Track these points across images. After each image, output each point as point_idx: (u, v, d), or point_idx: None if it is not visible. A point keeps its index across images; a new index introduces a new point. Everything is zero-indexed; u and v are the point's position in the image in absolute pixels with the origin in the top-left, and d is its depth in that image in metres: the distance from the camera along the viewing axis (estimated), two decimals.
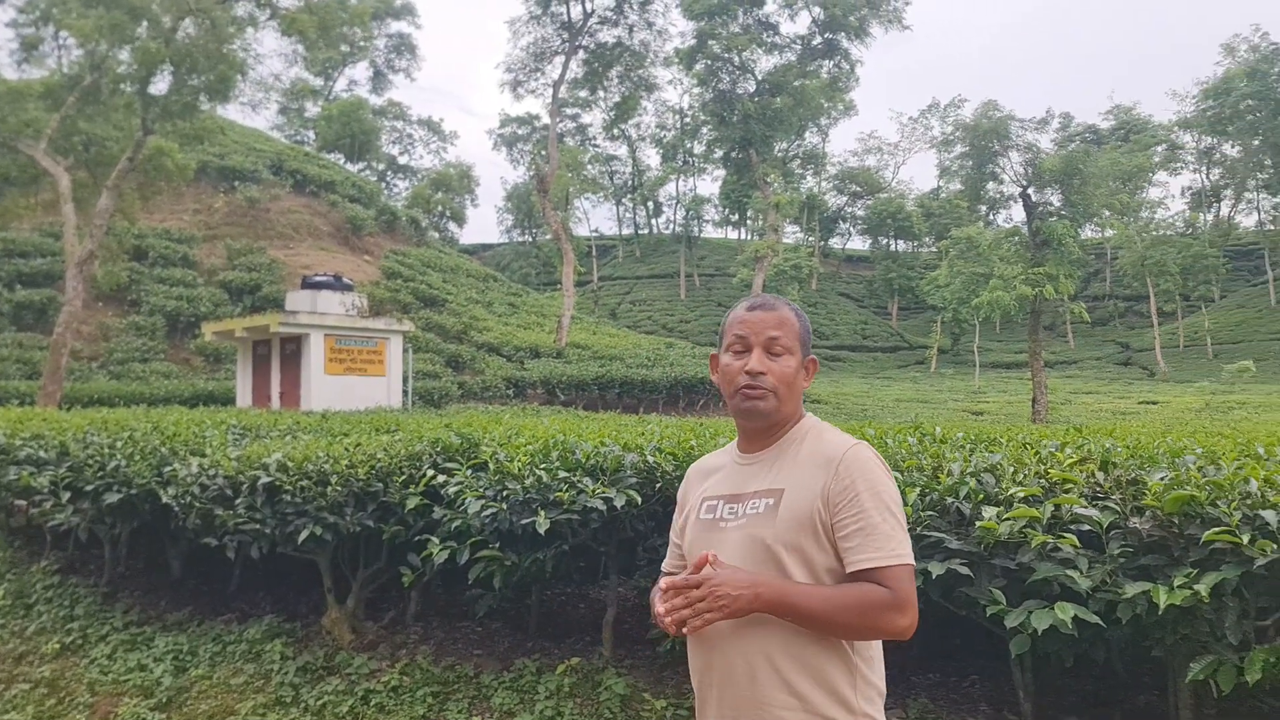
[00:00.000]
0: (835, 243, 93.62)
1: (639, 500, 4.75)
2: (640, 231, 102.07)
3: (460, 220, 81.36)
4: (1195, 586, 3.33)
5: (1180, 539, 3.59)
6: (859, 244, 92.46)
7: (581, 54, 42.42)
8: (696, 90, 48.69)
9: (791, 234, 75.26)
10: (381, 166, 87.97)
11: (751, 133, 41.23)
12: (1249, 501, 3.49)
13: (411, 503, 5.34)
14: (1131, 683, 4.86)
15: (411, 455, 5.80)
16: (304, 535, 5.50)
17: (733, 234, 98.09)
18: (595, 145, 79.08)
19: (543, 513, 4.68)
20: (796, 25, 46.46)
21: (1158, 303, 66.99)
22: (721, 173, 72.23)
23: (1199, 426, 18.95)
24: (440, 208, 75.76)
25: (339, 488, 5.55)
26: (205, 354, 34.07)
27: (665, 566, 2.43)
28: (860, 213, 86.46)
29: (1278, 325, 65.28)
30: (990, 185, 37.41)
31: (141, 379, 29.14)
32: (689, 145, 76.92)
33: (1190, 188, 79.60)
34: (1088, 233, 49.05)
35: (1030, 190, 29.67)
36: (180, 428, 8.02)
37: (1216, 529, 3.35)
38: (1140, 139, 65.76)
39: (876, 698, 2.11)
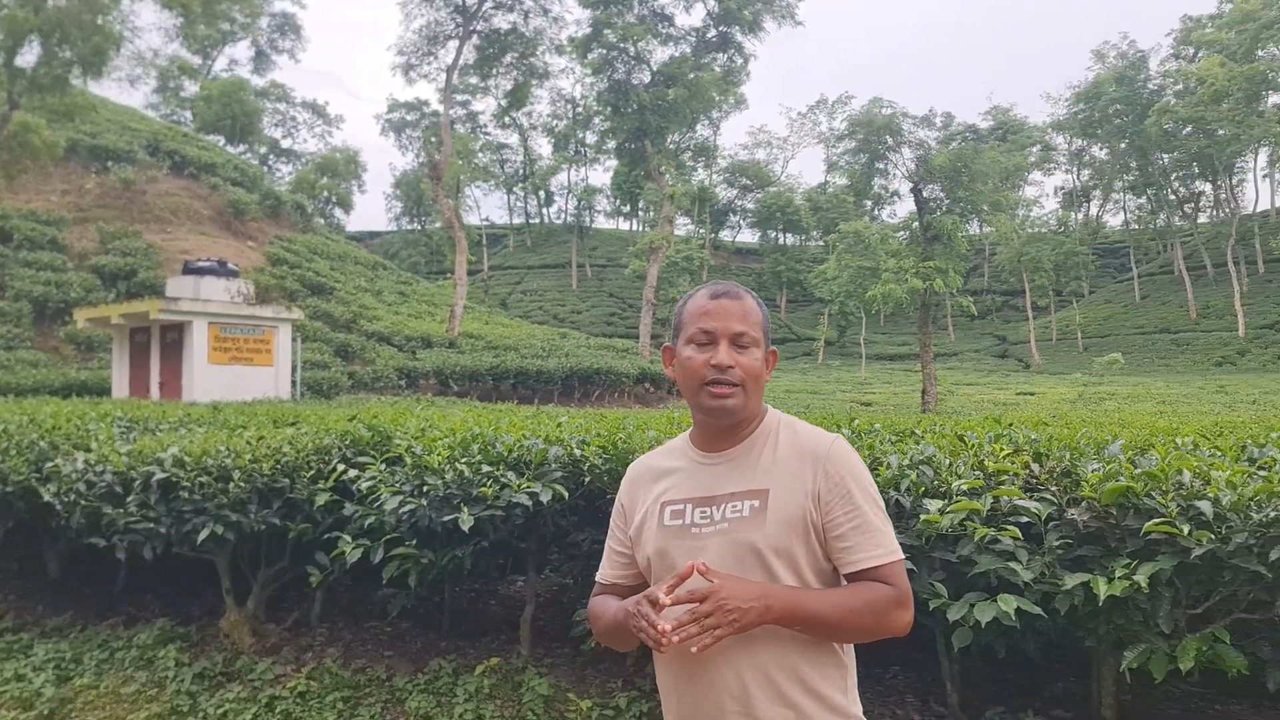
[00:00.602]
0: (725, 235, 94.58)
1: (565, 495, 4.61)
2: (531, 221, 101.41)
3: (347, 206, 79.47)
4: (1135, 577, 3.37)
5: (1117, 530, 3.62)
6: (748, 237, 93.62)
7: (475, 39, 41.78)
8: (590, 79, 48.57)
9: (682, 226, 75.73)
10: (264, 150, 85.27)
11: (646, 123, 41.18)
12: (1182, 492, 3.54)
13: (321, 499, 5.08)
14: (1050, 671, 4.93)
15: (320, 449, 5.53)
16: (204, 535, 5.18)
17: (624, 225, 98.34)
18: (486, 133, 78.13)
19: (466, 509, 4.49)
20: (691, 18, 46.81)
21: (1032, 297, 69.72)
22: (614, 163, 72.23)
23: (1074, 416, 19.72)
24: (326, 193, 73.84)
25: (242, 484, 5.25)
26: (76, 342, 32.36)
27: (604, 577, 2.21)
28: (750, 206, 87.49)
29: (1142, 320, 68.64)
30: (877, 181, 38.22)
31: (6, 368, 27.54)
32: (581, 135, 76.57)
33: (1062, 188, 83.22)
34: (972, 228, 50.60)
35: (921, 186, 30.45)
36: (59, 420, 7.51)
37: (1157, 520, 3.38)
38: (1017, 139, 68.13)
39: (858, 698, 2.05)
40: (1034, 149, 72.44)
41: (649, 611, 1.85)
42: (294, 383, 24.17)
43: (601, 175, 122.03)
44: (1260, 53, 59.18)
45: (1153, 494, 3.54)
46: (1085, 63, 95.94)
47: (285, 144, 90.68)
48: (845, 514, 1.94)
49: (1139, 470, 3.72)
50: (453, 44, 41.64)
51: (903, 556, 1.96)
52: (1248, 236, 70.96)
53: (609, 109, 42.98)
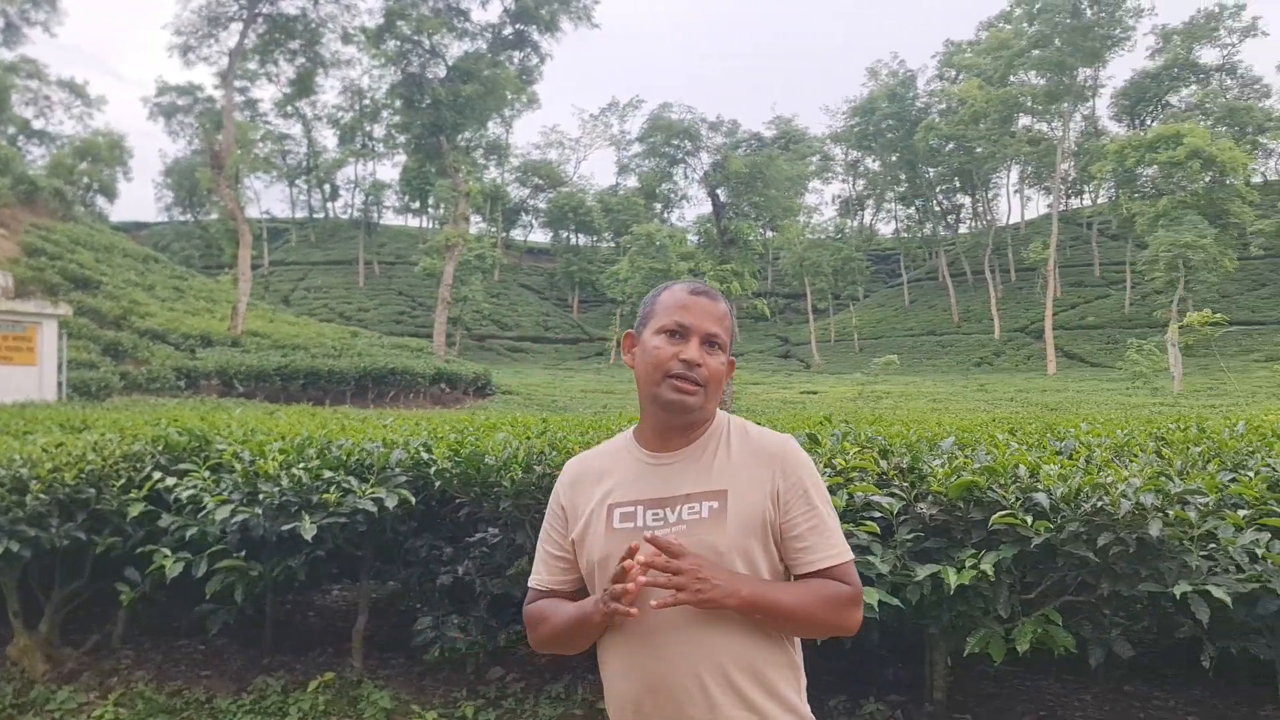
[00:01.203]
0: (517, 234, 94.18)
1: (413, 500, 4.45)
2: (315, 216, 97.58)
3: (111, 194, 74.13)
4: (981, 566, 3.57)
5: (962, 522, 3.84)
6: (540, 236, 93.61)
7: (260, 22, 39.72)
8: (379, 71, 47.23)
9: (474, 224, 74.76)
10: (13, 130, 78.14)
11: (442, 119, 40.36)
12: (1019, 485, 3.78)
13: (134, 510, 4.69)
14: (880, 659, 5.15)
15: (130, 456, 5.10)
16: None
17: (414, 222, 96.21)
18: (267, 122, 74.54)
19: (307, 516, 4.26)
20: (488, 14, 46.38)
21: (813, 300, 73.09)
22: (403, 158, 70.51)
23: (861, 412, 20.77)
24: (87, 179, 68.52)
25: (41, 495, 4.78)
26: None
27: (541, 583, 2.12)
28: (542, 205, 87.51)
29: (911, 323, 73.27)
30: (665, 184, 39.07)
31: None
32: (369, 128, 74.33)
33: (839, 196, 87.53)
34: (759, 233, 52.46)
35: (719, 191, 31.31)
36: None
37: (1003, 512, 3.60)
38: (798, 149, 71.20)
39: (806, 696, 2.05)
40: (814, 159, 75.95)
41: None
42: (59, 384, 22.28)
43: (390, 170, 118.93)
44: (1013, 78, 64.26)
45: (994, 487, 3.78)
46: (861, 79, 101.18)
47: (38, 125, 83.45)
48: (803, 514, 1.94)
49: (978, 466, 3.95)
50: (236, 26, 39.51)
51: (853, 557, 1.98)
52: (1002, 246, 76.97)
53: (401, 102, 41.89)
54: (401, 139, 54.86)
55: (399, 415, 8.57)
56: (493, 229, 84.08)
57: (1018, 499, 3.70)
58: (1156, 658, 5.24)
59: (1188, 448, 4.93)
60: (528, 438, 4.75)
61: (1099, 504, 3.64)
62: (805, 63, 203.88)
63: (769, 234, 32.52)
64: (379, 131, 68.87)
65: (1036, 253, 60.45)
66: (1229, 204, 43.58)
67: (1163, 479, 3.80)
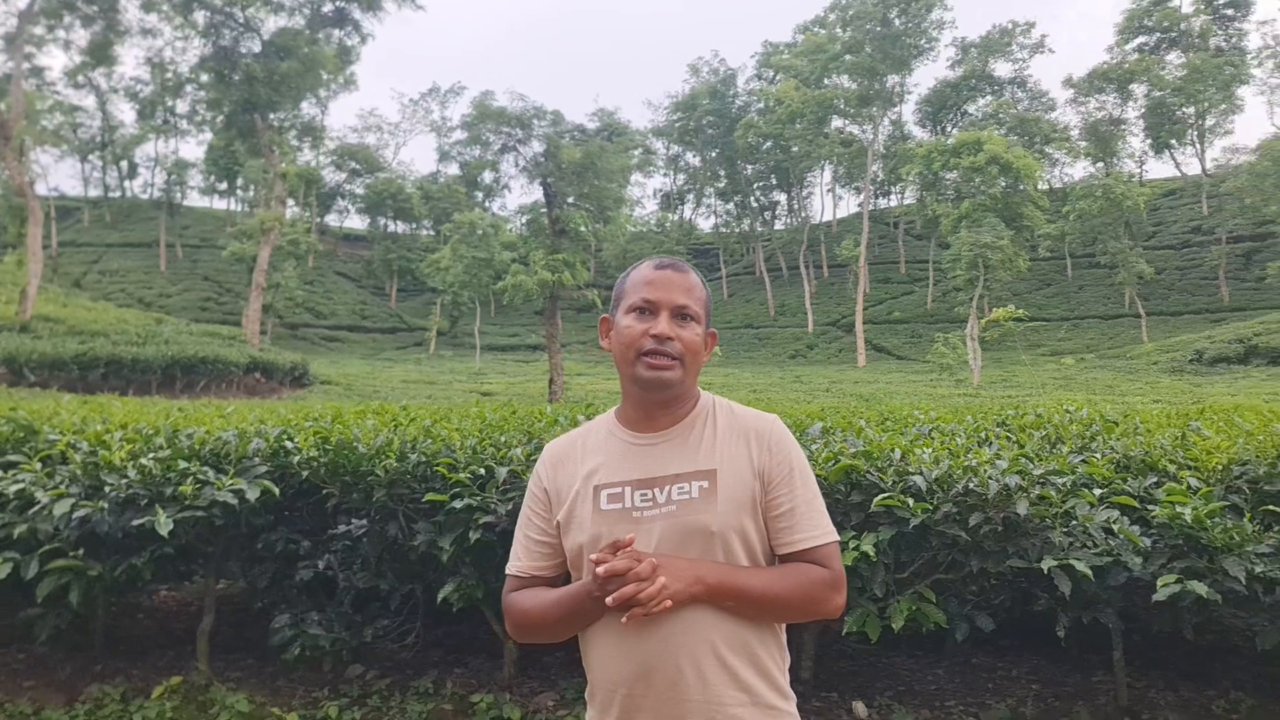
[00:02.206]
0: (332, 220, 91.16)
1: (276, 492, 4.19)
2: (111, 194, 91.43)
3: None
4: (862, 547, 3.67)
5: (843, 505, 3.93)
6: (357, 223, 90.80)
7: None
8: (182, 43, 44.51)
9: (288, 208, 71.80)
10: None
11: (257, 96, 38.36)
12: (895, 469, 3.90)
13: None
14: None
15: None
16: None
17: (220, 203, 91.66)
18: (57, 92, 69.28)
19: (161, 510, 3.95)
20: None
21: None
22: (209, 136, 66.96)
23: None
24: None
25: None
26: None
27: (522, 570, 2.04)
28: (359, 191, 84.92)
29: (730, 315, 75.09)
30: (491, 173, 38.57)
31: None
32: (172, 103, 70.05)
33: (660, 190, 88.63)
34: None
35: (551, 181, 31.13)
36: None
37: (884, 495, 3.71)
38: (621, 141, 71.74)
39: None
40: (636, 152, 76.70)
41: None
42: None
43: (195, 149, 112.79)
44: (828, 81, 66.76)
45: (871, 471, 3.89)
46: (683, 75, 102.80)
47: None
48: (786, 493, 1.92)
49: (853, 450, 4.05)
50: None
51: (838, 539, 1.97)
52: (816, 243, 79.92)
53: (212, 77, 39.57)
54: (209, 116, 52.10)
55: (219, 406, 8.11)
56: (307, 214, 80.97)
57: (895, 482, 3.81)
58: (995, 632, 5.54)
59: (1031, 433, 5.21)
60: (397, 424, 4.57)
61: (970, 485, 3.80)
62: (627, 57, 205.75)
63: (600, 225, 32.70)
64: (183, 107, 64.95)
65: (848, 250, 63.08)
66: (1023, 208, 46.73)
67: (1023, 461, 3.99)
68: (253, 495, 4.08)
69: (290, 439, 4.43)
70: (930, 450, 4.00)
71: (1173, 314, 60.00)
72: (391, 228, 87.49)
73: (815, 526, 1.92)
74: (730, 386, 40.24)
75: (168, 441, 4.43)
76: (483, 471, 3.98)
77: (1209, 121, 70.75)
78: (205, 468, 4.20)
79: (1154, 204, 69.93)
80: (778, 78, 75.04)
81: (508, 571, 2.07)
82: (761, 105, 74.07)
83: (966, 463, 3.89)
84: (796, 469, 1.95)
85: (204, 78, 42.77)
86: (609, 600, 1.75)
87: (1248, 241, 64.36)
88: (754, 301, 77.21)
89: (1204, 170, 73.15)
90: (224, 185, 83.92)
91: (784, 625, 2.01)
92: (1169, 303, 61.83)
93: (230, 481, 4.08)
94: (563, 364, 33.28)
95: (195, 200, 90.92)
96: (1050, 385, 39.20)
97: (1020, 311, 40.64)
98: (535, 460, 4.01)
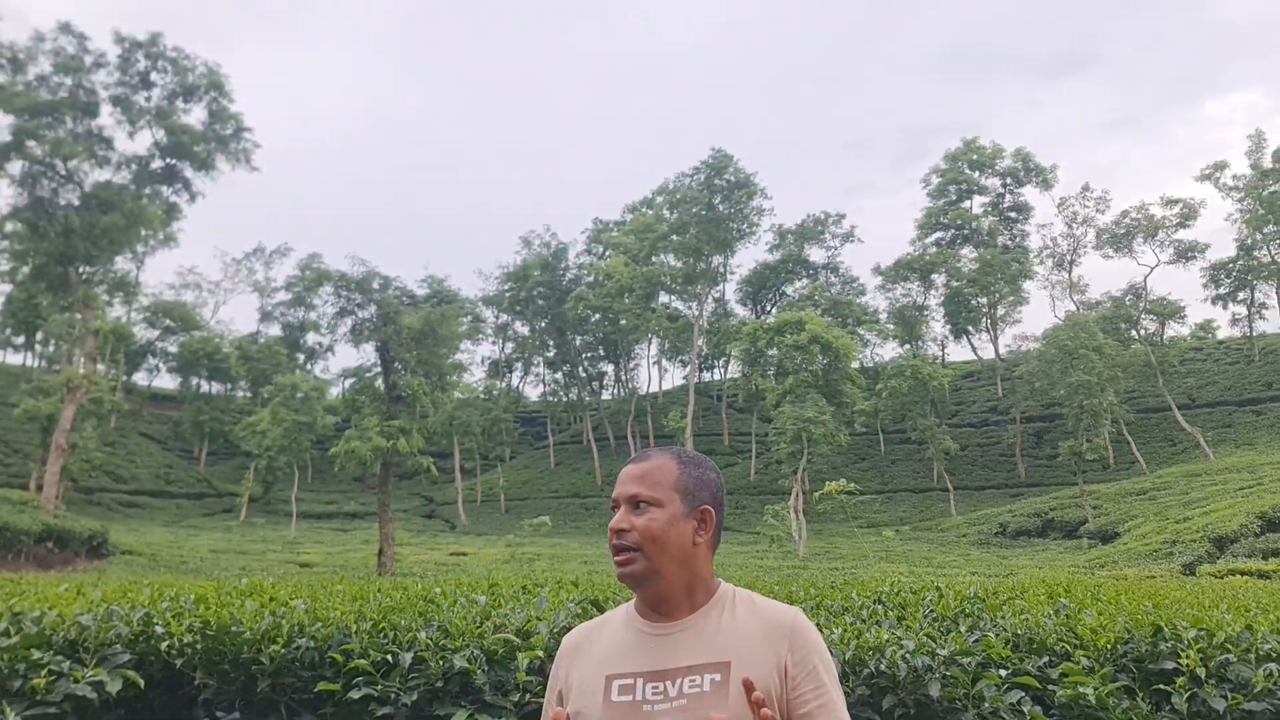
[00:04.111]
0: (140, 378, 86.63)
1: (141, 684, 3.75)
2: None
3: None
4: None
5: None
6: (168, 381, 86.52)
7: None
8: None
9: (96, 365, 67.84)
10: None
11: (73, 249, 36.55)
12: None
13: None
14: None
15: None
16: None
17: (14, 358, 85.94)
18: None
19: (9, 709, 3.45)
20: (136, 144, 43.41)
21: (461, 460, 72.62)
22: (5, 286, 63.21)
23: (509, 574, 20.70)
24: None
25: None
26: None
27: None
28: (172, 349, 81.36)
29: (556, 484, 74.73)
30: (326, 335, 37.76)
31: None
32: None
33: (489, 357, 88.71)
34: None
35: (389, 346, 30.65)
36: None
37: None
38: (450, 309, 71.96)
39: None
40: (466, 319, 76.93)
41: None
42: None
43: None
44: (655, 258, 69.42)
45: None
46: (514, 246, 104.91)
47: None
48: (812, 691, 1.86)
49: None
50: None
51: None
52: (642, 414, 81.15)
53: (25, 227, 37.56)
54: (10, 268, 49.30)
55: (13, 579, 7.38)
56: (113, 371, 76.72)
57: None
58: None
59: (914, 610, 5.27)
60: (284, 605, 4.21)
61: (879, 667, 3.77)
62: (459, 224, 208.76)
63: (439, 392, 32.31)
64: None
65: (674, 421, 64.28)
66: (842, 385, 49.07)
67: (928, 642, 4.01)
68: (114, 687, 3.64)
69: (159, 623, 4.00)
70: (839, 630, 3.97)
71: (976, 488, 63.40)
72: (205, 388, 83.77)
73: None
74: (559, 557, 39.63)
75: (11, 627, 3.93)
76: (386, 658, 3.68)
77: (1000, 311, 76.96)
78: (59, 656, 3.72)
79: (956, 385, 74.90)
80: (607, 253, 77.58)
81: None
82: (591, 279, 76.07)
83: (872, 643, 3.88)
84: (821, 668, 1.90)
85: (10, 227, 40.51)
86: None
87: (1039, 422, 69.37)
88: (580, 470, 77.16)
89: (998, 355, 79.07)
90: (20, 339, 78.90)
91: None
92: (973, 477, 65.41)
93: (90, 672, 3.63)
94: (393, 534, 32.04)
95: None
96: (873, 556, 40.36)
97: (851, 485, 42.13)
98: (444, 644, 3.76)
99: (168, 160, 41.56)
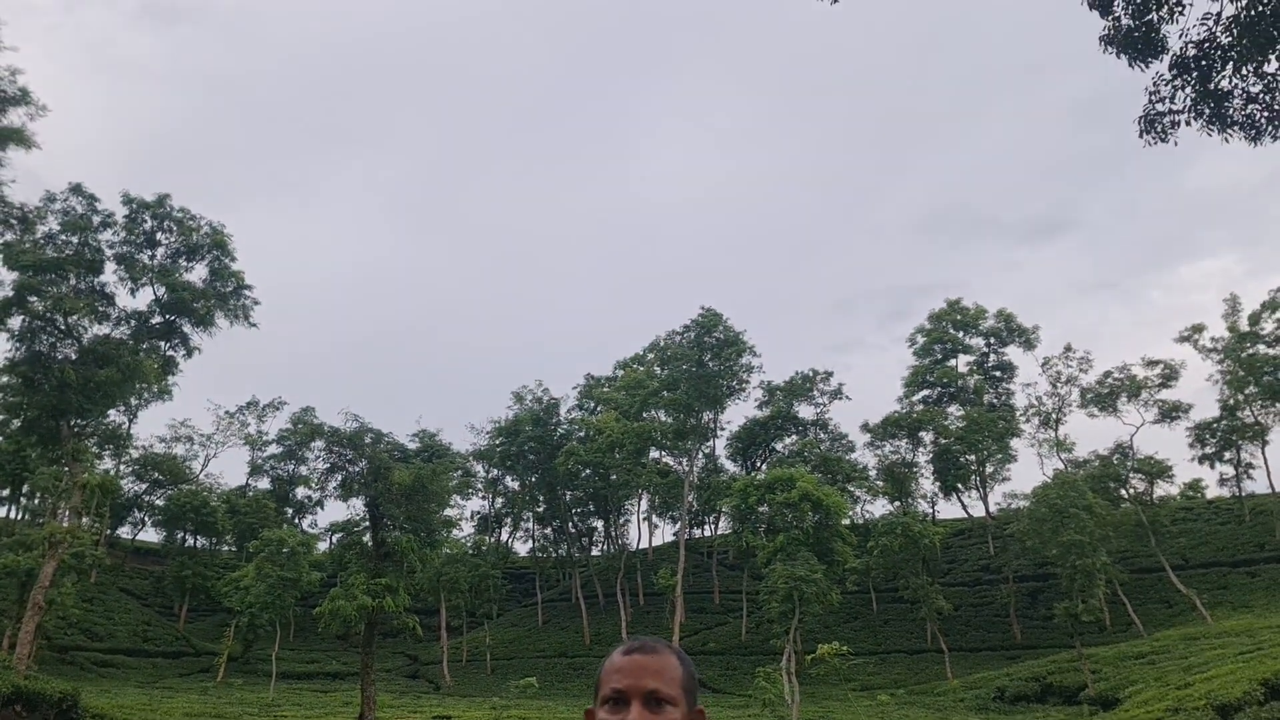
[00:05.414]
0: (124, 531, 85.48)
1: None
2: None
3: None
4: None
5: None
6: (152, 535, 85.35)
7: None
8: None
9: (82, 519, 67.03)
10: None
11: (68, 402, 36.76)
12: None
13: None
14: None
15: None
16: None
17: None
18: None
19: None
20: (137, 300, 44.17)
21: (447, 618, 71.17)
22: None
23: None
24: None
25: None
26: None
27: None
28: (159, 502, 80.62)
29: (544, 644, 73.00)
30: (317, 491, 37.73)
31: None
32: None
33: (479, 512, 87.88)
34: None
35: (379, 502, 30.59)
36: None
37: None
38: (441, 464, 71.82)
39: None
40: (456, 474, 76.69)
41: None
42: None
43: None
44: (646, 414, 69.87)
45: None
46: (507, 401, 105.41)
47: None
48: None
49: None
50: None
51: None
52: (632, 570, 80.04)
53: (23, 381, 37.80)
54: (2, 420, 49.33)
55: None
56: (97, 525, 75.74)
57: None
58: None
59: None
60: None
61: None
62: (451, 379, 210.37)
63: (427, 550, 32.13)
64: None
65: (664, 579, 63.43)
66: (833, 543, 48.69)
67: None
68: None
69: None
70: None
71: (971, 649, 62.15)
72: (190, 542, 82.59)
73: None
74: None
75: None
76: None
77: (989, 468, 77.06)
78: None
79: (947, 542, 74.22)
80: (599, 408, 78.06)
81: None
82: (583, 434, 76.28)
83: None
84: None
85: (5, 380, 40.75)
86: None
87: (1032, 581, 68.57)
88: (569, 629, 75.56)
89: (988, 512, 78.77)
90: (5, 491, 78.13)
91: None
92: (967, 639, 64.18)
93: None
94: (375, 697, 31.17)
95: None
96: None
97: (845, 648, 41.39)
98: None
99: (167, 316, 42.23)
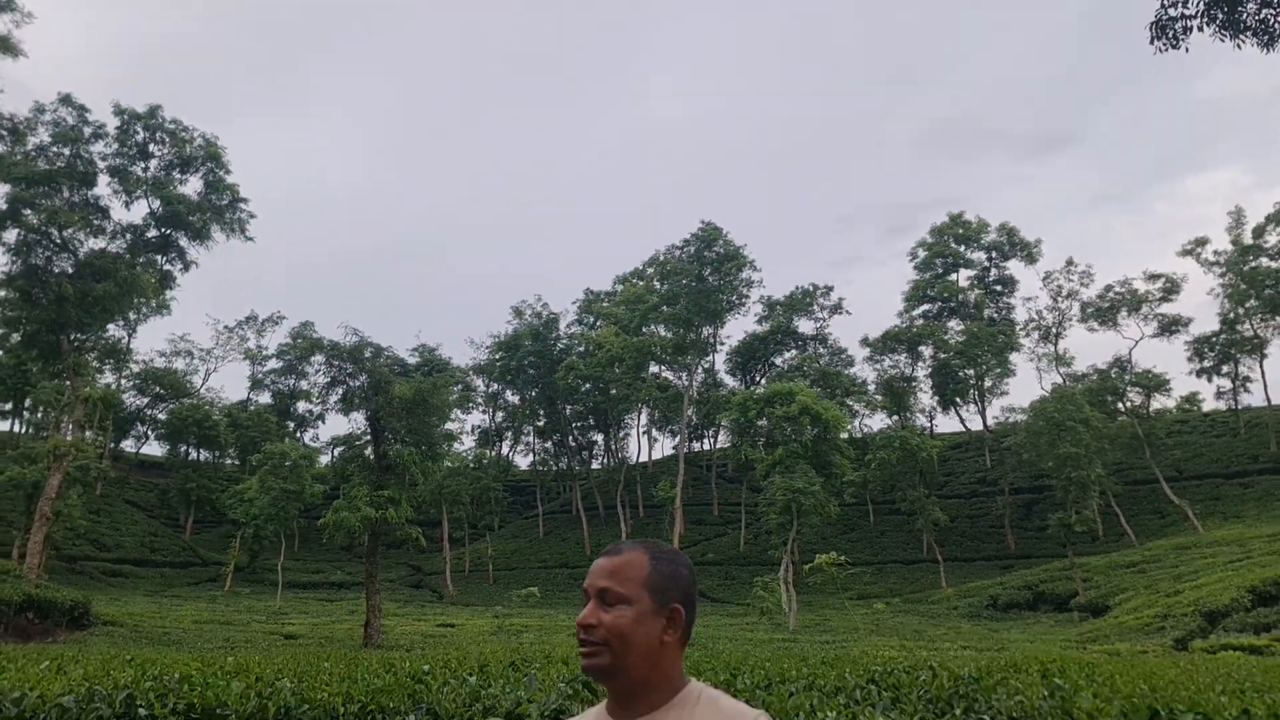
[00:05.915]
0: (128, 445, 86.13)
1: None
2: None
3: None
4: None
5: None
6: (155, 449, 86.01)
7: None
8: None
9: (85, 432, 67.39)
10: None
11: (66, 317, 36.59)
12: None
13: None
14: None
15: None
16: None
17: (1, 425, 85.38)
18: None
19: None
20: (132, 213, 43.70)
21: (449, 529, 72.11)
22: None
23: (497, 647, 20.48)
24: None
25: None
26: None
27: None
28: (162, 416, 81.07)
29: (545, 554, 74.09)
30: (317, 404, 37.81)
31: None
32: None
33: (479, 426, 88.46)
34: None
35: (380, 415, 30.68)
36: None
37: None
38: (443, 377, 72.01)
39: None
40: (457, 388, 76.92)
41: None
42: None
43: None
44: (645, 329, 69.79)
45: None
46: (506, 316, 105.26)
47: None
48: None
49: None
50: None
51: None
52: (632, 483, 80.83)
53: (19, 295, 37.62)
54: (2, 334, 49.28)
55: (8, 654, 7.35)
56: (100, 438, 76.30)
57: None
58: None
59: (914, 691, 5.28)
60: (270, 685, 4.23)
61: None
62: (449, 293, 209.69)
63: (429, 462, 32.30)
64: None
65: (664, 491, 64.03)
66: (831, 456, 49.09)
67: None
68: None
69: (142, 704, 4.02)
70: (833, 714, 3.98)
71: (966, 560, 63.07)
72: (193, 456, 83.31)
73: None
74: (548, 629, 39.17)
75: None
76: None
77: (987, 383, 77.35)
78: None
79: (944, 456, 74.80)
80: (598, 323, 77.97)
81: None
82: (583, 348, 76.35)
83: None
84: None
85: (2, 294, 40.59)
86: None
87: (1027, 493, 69.31)
88: (569, 540, 76.60)
89: (985, 426, 79.25)
90: (8, 405, 78.50)
91: None
92: (962, 549, 65.10)
93: None
94: (380, 605, 31.67)
95: None
96: (864, 629, 39.99)
97: (842, 557, 41.98)
98: None
99: (163, 229, 41.86)
